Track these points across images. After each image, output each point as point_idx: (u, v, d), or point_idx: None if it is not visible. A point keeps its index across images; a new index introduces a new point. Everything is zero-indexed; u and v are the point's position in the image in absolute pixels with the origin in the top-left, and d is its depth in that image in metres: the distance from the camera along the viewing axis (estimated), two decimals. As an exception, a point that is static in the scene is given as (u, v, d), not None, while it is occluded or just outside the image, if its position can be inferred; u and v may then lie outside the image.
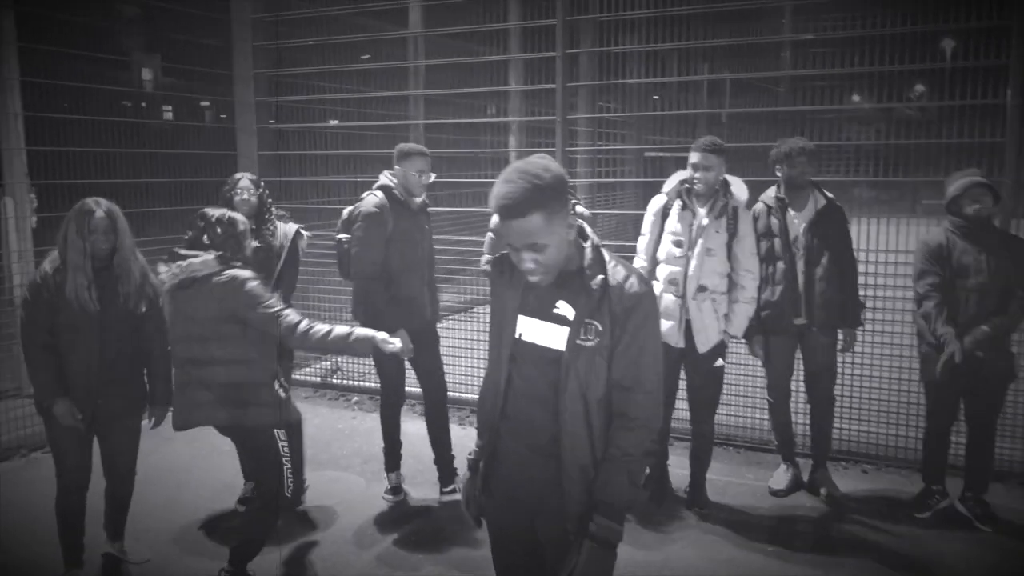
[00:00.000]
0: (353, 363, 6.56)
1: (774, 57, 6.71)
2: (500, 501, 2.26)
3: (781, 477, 4.56)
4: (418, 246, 4.26)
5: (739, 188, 4.13)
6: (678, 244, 4.04)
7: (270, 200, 4.36)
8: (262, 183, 4.32)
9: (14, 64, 5.89)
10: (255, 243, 3.81)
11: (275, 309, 3.21)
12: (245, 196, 4.20)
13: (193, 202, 6.23)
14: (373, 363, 4.52)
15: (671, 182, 4.17)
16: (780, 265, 4.23)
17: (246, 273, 3.26)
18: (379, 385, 4.59)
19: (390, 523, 4.24)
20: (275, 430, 3.37)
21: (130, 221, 3.52)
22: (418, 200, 4.25)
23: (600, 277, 2.05)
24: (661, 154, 10.71)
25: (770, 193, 4.33)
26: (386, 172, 4.25)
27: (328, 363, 6.74)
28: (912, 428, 4.79)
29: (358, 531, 4.14)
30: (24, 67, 5.93)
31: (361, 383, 6.44)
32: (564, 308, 2.07)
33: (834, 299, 4.22)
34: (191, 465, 4.98)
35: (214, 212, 3.38)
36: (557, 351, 2.07)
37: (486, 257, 4.72)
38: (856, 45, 5.08)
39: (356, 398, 6.32)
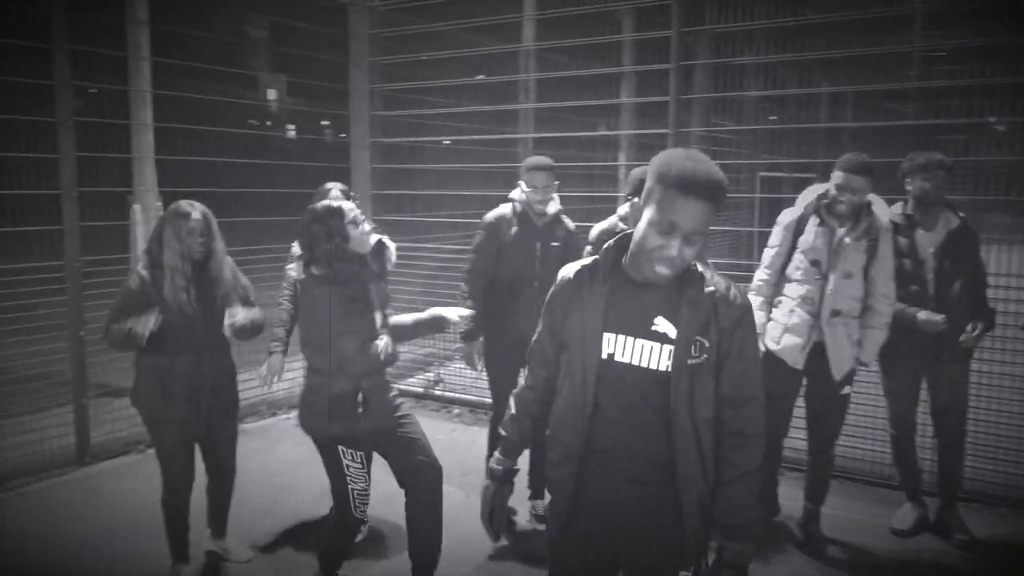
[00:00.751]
0: (456, 375, 6.53)
1: (900, 69, 6.30)
2: (577, 535, 2.05)
3: (905, 516, 4.21)
4: (533, 261, 4.17)
5: (881, 208, 3.82)
6: (815, 263, 3.74)
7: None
8: (352, 193, 4.23)
9: (147, 77, 6.19)
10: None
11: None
12: None
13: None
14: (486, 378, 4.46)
15: (807, 196, 3.87)
16: (913, 288, 3.90)
17: None
18: (489, 400, 4.51)
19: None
20: (339, 447, 3.16)
21: (250, 229, 3.58)
22: (545, 215, 4.18)
23: (710, 289, 1.92)
24: (778, 174, 10.35)
25: (896, 210, 4.00)
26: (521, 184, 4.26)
27: (431, 374, 6.74)
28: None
29: (457, 544, 4.05)
30: (156, 81, 6.23)
31: (463, 395, 6.39)
32: (663, 325, 1.91)
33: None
34: (296, 469, 5.03)
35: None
36: (661, 372, 1.90)
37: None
38: (992, 56, 4.72)
39: (457, 410, 6.28)
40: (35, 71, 4.77)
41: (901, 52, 5.67)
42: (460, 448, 5.37)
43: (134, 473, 4.91)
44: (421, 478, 3.30)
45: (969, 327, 3.85)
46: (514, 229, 4.17)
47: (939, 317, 3.75)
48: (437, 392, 6.56)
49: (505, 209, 4.22)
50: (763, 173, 9.93)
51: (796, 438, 4.23)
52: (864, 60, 5.39)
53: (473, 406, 6.24)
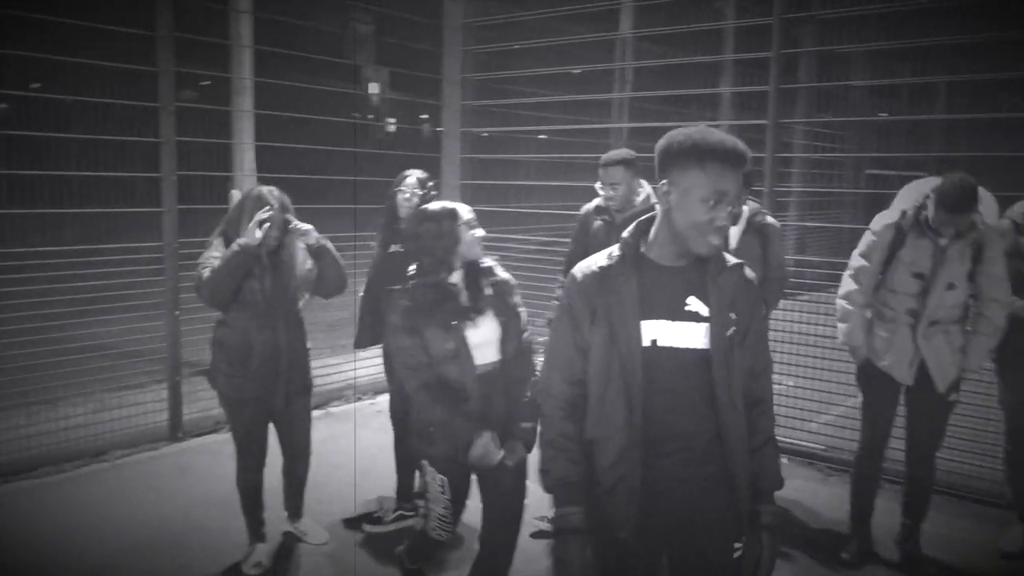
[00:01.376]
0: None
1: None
2: (645, 533, 1.97)
3: (1016, 538, 3.88)
4: None
5: (988, 204, 3.51)
6: (918, 276, 3.47)
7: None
8: (431, 183, 4.10)
9: (249, 66, 6.33)
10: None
11: None
12: (407, 195, 4.02)
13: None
14: None
15: (904, 198, 3.55)
16: None
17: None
18: None
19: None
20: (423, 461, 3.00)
21: (341, 217, 3.59)
22: (622, 211, 3.93)
23: (733, 264, 2.00)
24: (884, 172, 9.84)
25: (1018, 209, 3.69)
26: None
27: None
28: None
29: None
30: (257, 70, 6.37)
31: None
32: (696, 304, 1.95)
33: None
34: (378, 454, 5.04)
35: None
36: (702, 351, 1.94)
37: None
38: None
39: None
40: (139, 58, 4.92)
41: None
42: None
43: (223, 451, 5.00)
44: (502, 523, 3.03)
45: None
46: (596, 223, 4.05)
47: None
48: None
49: (596, 201, 4.11)
50: (870, 171, 9.47)
51: (894, 448, 3.97)
52: (981, 47, 5.02)
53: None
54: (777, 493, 2.06)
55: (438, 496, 2.95)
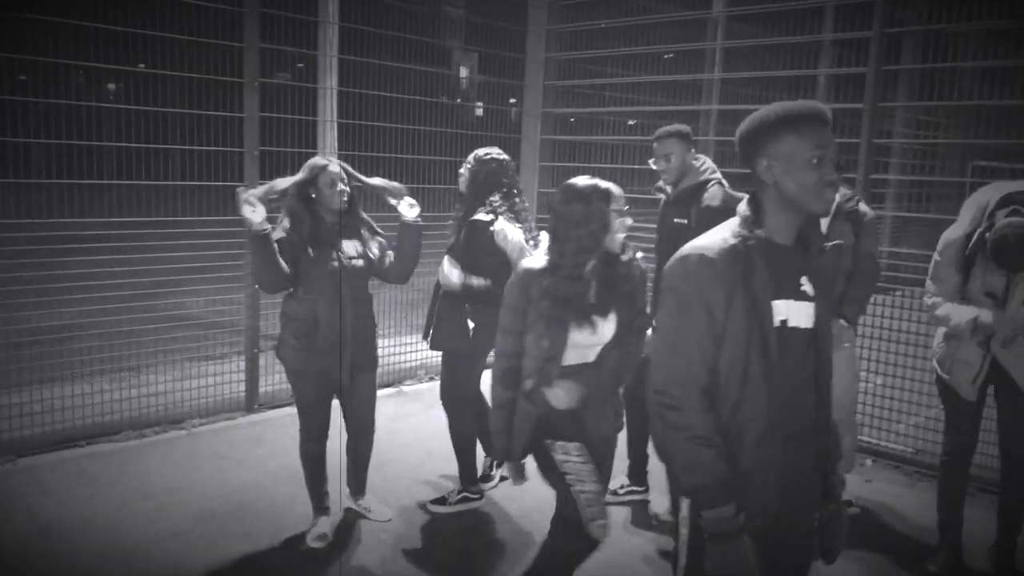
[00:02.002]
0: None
1: None
2: (767, 528, 1.95)
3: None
4: (662, 236, 4.03)
5: None
6: (990, 295, 3.24)
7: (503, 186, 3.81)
8: (506, 157, 3.88)
9: (335, 43, 6.33)
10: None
11: None
12: (461, 168, 3.90)
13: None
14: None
15: (970, 210, 3.29)
16: None
17: None
18: None
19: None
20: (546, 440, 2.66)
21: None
22: (676, 186, 3.92)
23: (836, 243, 2.15)
24: (992, 164, 9.24)
25: None
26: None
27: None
28: None
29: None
30: (343, 47, 6.36)
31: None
32: (806, 284, 1.96)
33: None
34: (447, 433, 5.02)
35: None
36: (811, 331, 1.96)
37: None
38: None
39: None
40: (227, 34, 4.99)
41: None
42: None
43: (297, 424, 5.07)
44: None
45: None
46: (663, 199, 3.97)
47: None
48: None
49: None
50: (977, 162, 8.91)
51: (983, 454, 3.70)
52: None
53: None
54: (861, 496, 2.06)
55: (581, 468, 2.58)
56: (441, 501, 4.07)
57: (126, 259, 4.79)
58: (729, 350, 1.87)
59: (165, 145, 5.01)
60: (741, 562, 1.82)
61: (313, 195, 3.41)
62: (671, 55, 6.47)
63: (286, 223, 3.41)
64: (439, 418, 5.22)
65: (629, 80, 6.51)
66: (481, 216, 3.71)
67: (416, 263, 3.66)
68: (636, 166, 5.78)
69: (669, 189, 3.91)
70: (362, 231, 3.58)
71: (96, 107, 4.77)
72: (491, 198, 3.74)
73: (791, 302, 1.92)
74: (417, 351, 6.20)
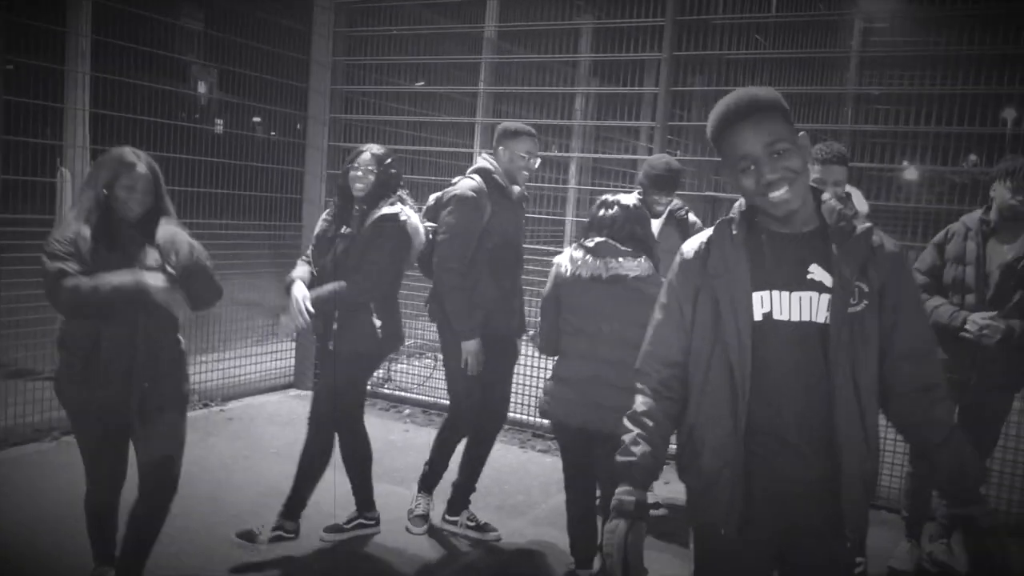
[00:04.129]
0: (404, 374, 6.07)
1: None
2: (748, 531, 1.76)
3: (903, 555, 3.77)
4: (513, 242, 3.73)
5: (859, 201, 3.51)
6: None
7: (401, 183, 3.57)
8: (389, 159, 3.53)
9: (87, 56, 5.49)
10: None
11: None
12: (360, 172, 3.47)
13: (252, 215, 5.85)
14: (445, 381, 3.88)
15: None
16: (969, 299, 3.45)
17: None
18: (444, 402, 3.99)
19: (448, 545, 3.72)
20: None
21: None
22: (518, 189, 3.73)
23: (863, 229, 1.74)
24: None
25: (975, 215, 3.59)
26: (485, 154, 3.74)
27: (380, 372, 6.26)
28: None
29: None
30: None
31: (413, 395, 5.94)
32: (818, 272, 1.74)
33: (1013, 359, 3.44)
34: (234, 463, 4.50)
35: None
36: (821, 324, 1.71)
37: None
38: (916, 103, 4.63)
39: (408, 410, 5.82)
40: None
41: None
42: (415, 451, 4.90)
43: (47, 463, 4.30)
44: None
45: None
46: (493, 205, 3.62)
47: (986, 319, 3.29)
48: (386, 390, 6.07)
49: (478, 181, 3.62)
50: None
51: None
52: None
53: (425, 406, 5.79)
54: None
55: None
56: (335, 528, 3.69)
57: None
58: (695, 345, 1.82)
59: None
60: (621, 544, 1.76)
61: (106, 193, 2.75)
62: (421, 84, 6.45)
63: (73, 241, 2.70)
64: (223, 448, 4.72)
65: (417, 90, 6.37)
66: (389, 210, 3.45)
67: (217, 291, 2.95)
68: (429, 177, 5.63)
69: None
70: (168, 241, 2.82)
71: None
72: (396, 194, 3.50)
73: (784, 293, 1.73)
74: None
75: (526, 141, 3.64)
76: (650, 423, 1.82)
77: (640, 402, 1.86)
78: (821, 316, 1.71)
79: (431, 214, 3.68)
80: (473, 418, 3.77)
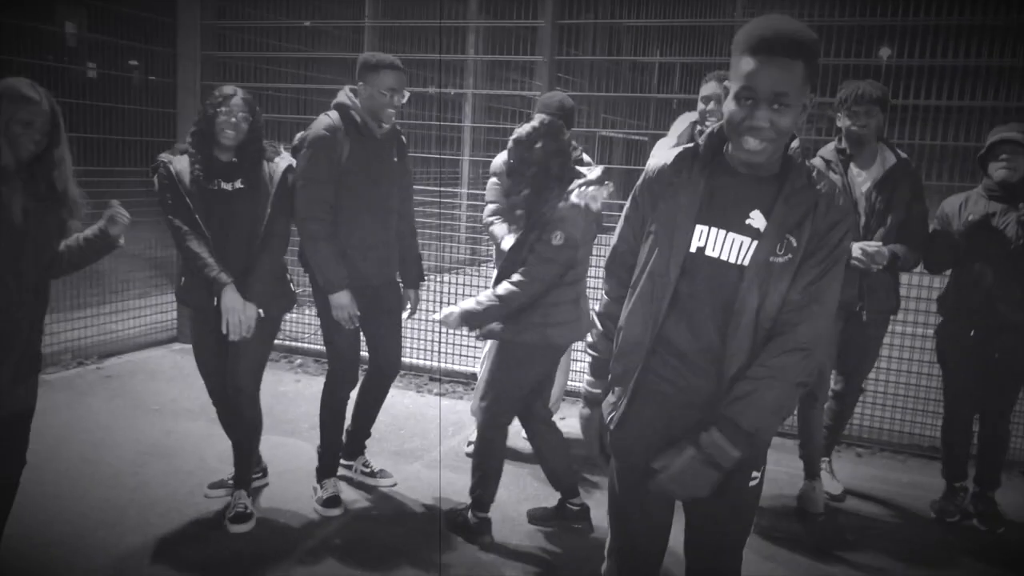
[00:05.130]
0: (295, 323, 5.84)
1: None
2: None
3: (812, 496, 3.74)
4: (379, 184, 3.37)
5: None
6: None
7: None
8: (258, 108, 3.20)
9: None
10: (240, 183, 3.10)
11: None
12: (233, 119, 3.05)
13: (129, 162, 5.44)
14: (321, 335, 3.59)
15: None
16: None
17: None
18: (326, 353, 3.62)
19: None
20: None
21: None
22: (385, 127, 3.36)
23: (818, 187, 1.73)
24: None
25: (830, 147, 3.59)
26: (346, 88, 3.37)
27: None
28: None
29: (304, 503, 3.48)
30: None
31: (305, 344, 5.73)
32: (757, 219, 1.73)
33: (892, 283, 3.57)
34: (114, 422, 4.22)
35: None
36: (738, 267, 1.73)
37: (492, 207, 3.86)
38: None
39: (299, 360, 5.62)
40: None
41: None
42: (306, 401, 4.73)
43: None
44: None
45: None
46: (352, 144, 3.28)
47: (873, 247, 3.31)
48: (277, 341, 5.82)
49: (334, 118, 3.29)
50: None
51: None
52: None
53: (317, 355, 5.59)
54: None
55: None
56: (220, 484, 3.53)
57: None
58: (643, 251, 1.85)
59: None
60: (589, 429, 2.06)
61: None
62: (309, 23, 6.11)
63: None
64: (100, 407, 4.42)
65: (289, 55, 6.00)
66: (289, 161, 3.25)
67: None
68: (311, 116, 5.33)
69: None
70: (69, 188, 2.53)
71: None
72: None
73: (720, 232, 1.73)
74: (58, 333, 5.17)
75: (389, 75, 3.28)
76: (608, 323, 1.99)
77: (606, 301, 2.01)
78: (744, 260, 1.72)
79: (295, 155, 3.35)
80: (356, 372, 3.55)
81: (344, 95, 3.35)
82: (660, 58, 7.79)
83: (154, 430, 4.16)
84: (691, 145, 1.83)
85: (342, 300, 3.28)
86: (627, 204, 1.93)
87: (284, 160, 3.23)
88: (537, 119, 3.09)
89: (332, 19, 6.02)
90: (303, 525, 3.33)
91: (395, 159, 3.48)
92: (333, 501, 3.45)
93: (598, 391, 2.00)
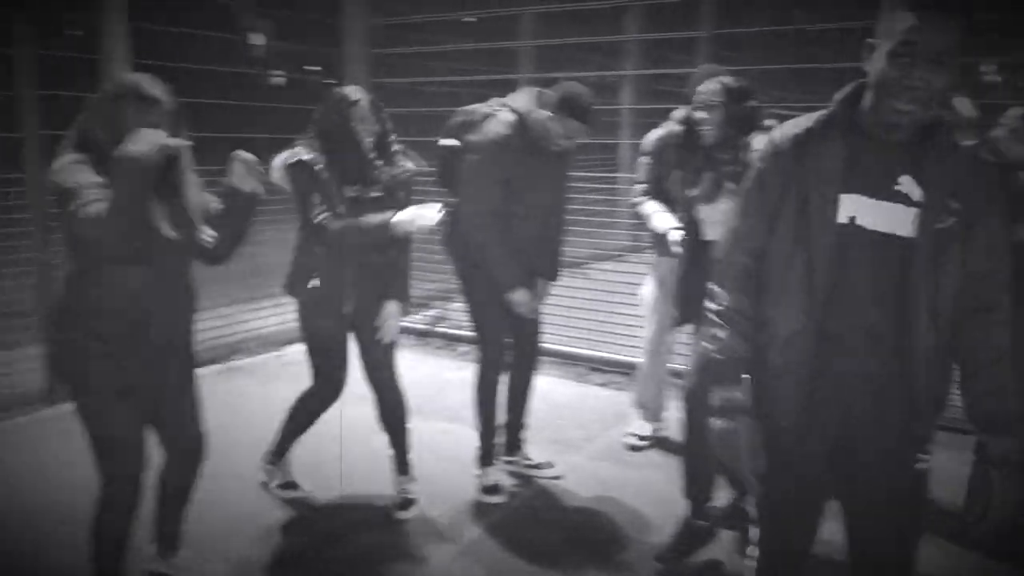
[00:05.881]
0: (460, 312, 5.92)
1: None
2: (804, 426, 1.74)
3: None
4: (541, 185, 3.36)
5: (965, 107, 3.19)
6: None
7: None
8: (382, 105, 3.18)
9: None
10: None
11: None
12: (366, 123, 3.02)
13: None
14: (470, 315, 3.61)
15: None
16: None
17: None
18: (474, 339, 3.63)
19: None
20: None
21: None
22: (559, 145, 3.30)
23: (970, 145, 1.68)
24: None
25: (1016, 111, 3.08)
26: (529, 91, 3.28)
27: (434, 311, 6.16)
28: None
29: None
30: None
31: (469, 334, 5.79)
32: (907, 184, 1.63)
33: None
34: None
35: None
36: (905, 239, 1.62)
37: (641, 187, 3.62)
38: None
39: (464, 348, 5.69)
40: None
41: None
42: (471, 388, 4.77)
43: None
44: None
45: None
46: (520, 155, 3.23)
47: None
48: (440, 329, 5.97)
49: (506, 128, 3.21)
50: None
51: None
52: None
53: (479, 344, 5.65)
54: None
55: None
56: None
57: None
58: (778, 237, 1.72)
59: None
60: (741, 442, 1.81)
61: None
62: (473, 19, 6.14)
63: (84, 170, 2.22)
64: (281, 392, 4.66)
65: (455, 48, 6.07)
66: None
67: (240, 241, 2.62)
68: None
69: None
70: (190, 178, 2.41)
71: None
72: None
73: (870, 200, 1.63)
74: (244, 323, 5.52)
75: (580, 124, 3.19)
76: (743, 319, 1.79)
77: (726, 296, 1.81)
78: (905, 230, 1.62)
79: (454, 132, 3.37)
80: (502, 355, 3.53)
81: (524, 99, 3.26)
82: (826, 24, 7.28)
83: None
84: (824, 111, 1.72)
85: (521, 297, 3.29)
86: (748, 185, 1.81)
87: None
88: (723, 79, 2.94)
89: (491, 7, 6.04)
90: (464, 512, 3.35)
91: (557, 156, 3.38)
92: (494, 489, 3.46)
93: (743, 397, 1.81)
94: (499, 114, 3.27)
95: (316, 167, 2.95)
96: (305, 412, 3.35)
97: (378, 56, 5.83)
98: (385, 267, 3.12)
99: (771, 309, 1.76)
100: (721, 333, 1.81)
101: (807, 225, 1.67)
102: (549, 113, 3.17)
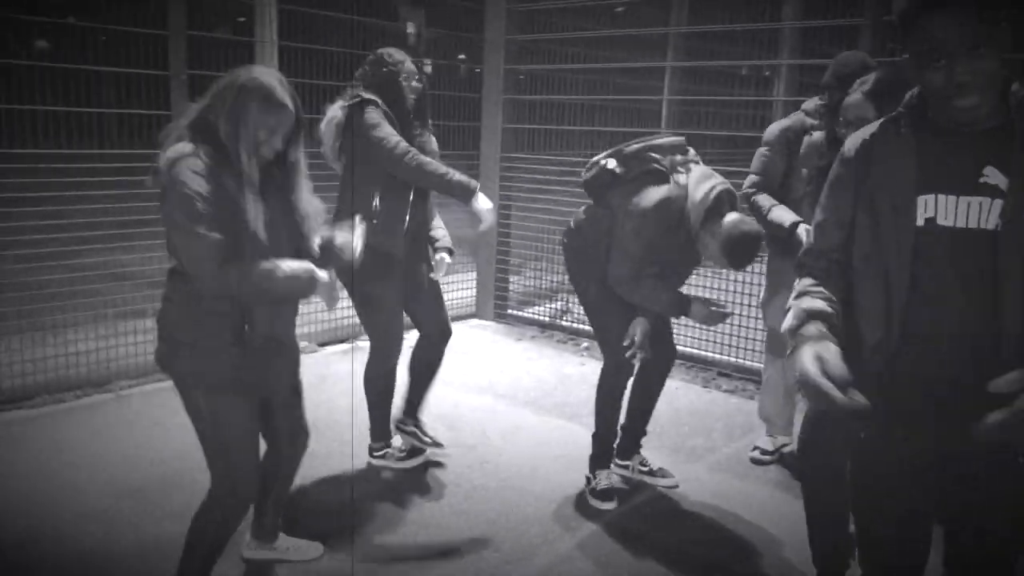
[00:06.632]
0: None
1: None
2: (897, 438, 1.65)
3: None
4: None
5: None
6: None
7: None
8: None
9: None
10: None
11: None
12: (412, 83, 3.24)
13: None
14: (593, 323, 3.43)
15: None
16: None
17: None
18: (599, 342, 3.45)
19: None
20: None
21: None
22: None
23: None
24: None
25: None
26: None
27: (559, 303, 6.02)
28: None
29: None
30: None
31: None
32: (994, 175, 1.51)
33: None
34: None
35: None
36: (987, 231, 1.51)
37: (755, 179, 3.44)
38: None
39: (586, 343, 5.51)
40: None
41: None
42: (589, 386, 4.60)
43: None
44: None
45: None
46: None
47: None
48: (564, 323, 5.82)
49: (671, 197, 3.02)
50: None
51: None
52: None
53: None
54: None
55: None
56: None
57: (51, 211, 4.09)
58: (857, 246, 1.65)
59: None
60: (811, 363, 1.53)
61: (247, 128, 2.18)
62: (622, 8, 5.94)
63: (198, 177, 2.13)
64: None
65: (593, 34, 5.89)
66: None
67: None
68: (608, 128, 5.24)
69: None
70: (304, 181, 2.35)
71: None
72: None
73: (951, 198, 1.53)
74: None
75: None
76: (825, 292, 1.66)
77: (804, 283, 1.70)
78: (991, 223, 1.50)
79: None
80: (630, 361, 3.25)
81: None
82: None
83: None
84: (894, 114, 1.63)
85: (698, 309, 3.08)
86: (824, 192, 1.74)
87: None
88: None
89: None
90: (572, 515, 3.19)
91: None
92: (607, 494, 3.26)
93: (820, 329, 1.60)
94: (659, 189, 3.03)
95: (383, 108, 3.13)
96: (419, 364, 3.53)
97: (521, 44, 5.76)
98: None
99: (855, 313, 1.68)
100: (800, 301, 1.67)
101: (884, 229, 1.59)
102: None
